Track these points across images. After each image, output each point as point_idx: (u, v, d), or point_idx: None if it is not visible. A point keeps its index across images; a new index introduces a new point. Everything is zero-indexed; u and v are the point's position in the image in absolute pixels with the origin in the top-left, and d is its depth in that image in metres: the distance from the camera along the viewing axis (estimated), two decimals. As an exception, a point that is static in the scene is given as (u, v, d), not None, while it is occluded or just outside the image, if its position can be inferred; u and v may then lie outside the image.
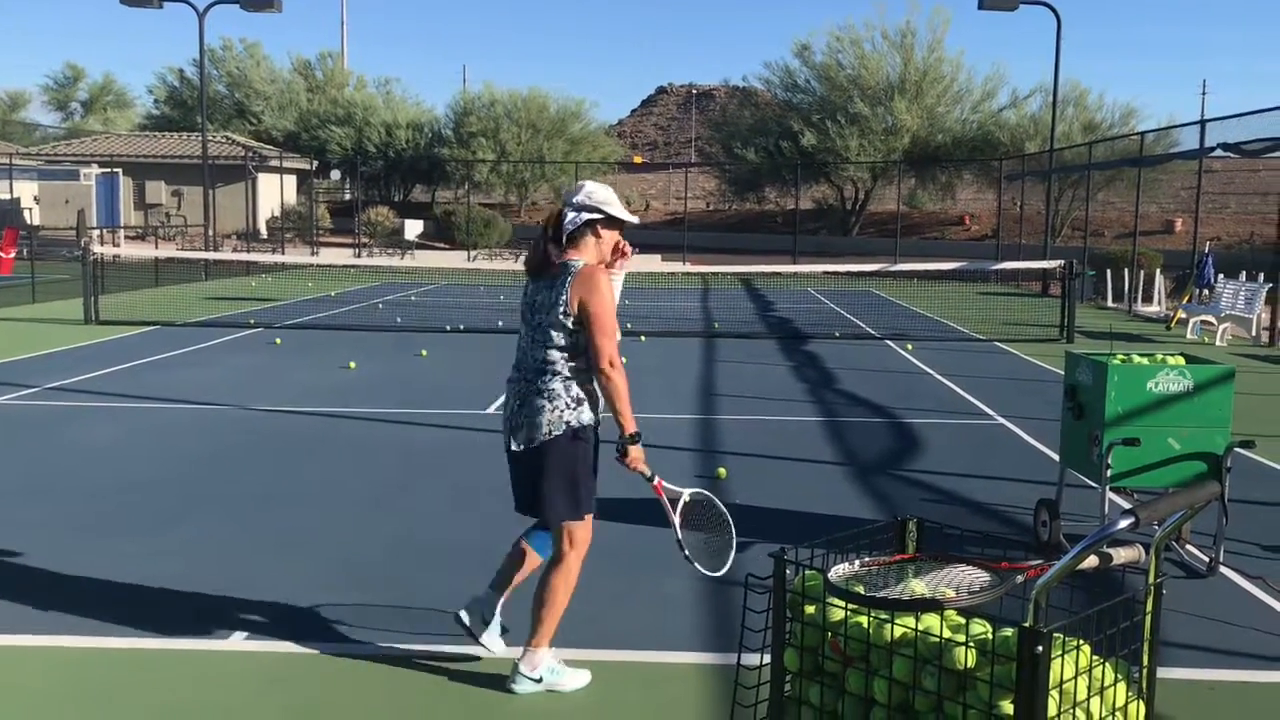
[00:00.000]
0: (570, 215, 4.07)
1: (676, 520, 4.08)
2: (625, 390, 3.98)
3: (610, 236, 4.14)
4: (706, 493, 4.22)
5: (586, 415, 4.03)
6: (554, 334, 4.00)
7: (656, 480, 4.09)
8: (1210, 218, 34.65)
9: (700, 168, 59.23)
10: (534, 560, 4.29)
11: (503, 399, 4.19)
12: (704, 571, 4.07)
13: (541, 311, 4.03)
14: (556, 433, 3.98)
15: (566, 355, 4.00)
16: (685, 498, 4.16)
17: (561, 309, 3.97)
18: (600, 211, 4.08)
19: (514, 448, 4.07)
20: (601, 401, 4.08)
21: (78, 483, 7.15)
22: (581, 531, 4.11)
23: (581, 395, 4.02)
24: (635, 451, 4.04)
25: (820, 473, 7.79)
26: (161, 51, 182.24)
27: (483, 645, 4.32)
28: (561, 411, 3.97)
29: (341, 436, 8.76)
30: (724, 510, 4.20)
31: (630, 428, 4.01)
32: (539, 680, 4.11)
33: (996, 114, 42.67)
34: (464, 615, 4.28)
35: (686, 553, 4.04)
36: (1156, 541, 2.57)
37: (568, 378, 4.00)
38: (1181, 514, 2.53)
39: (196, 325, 16.63)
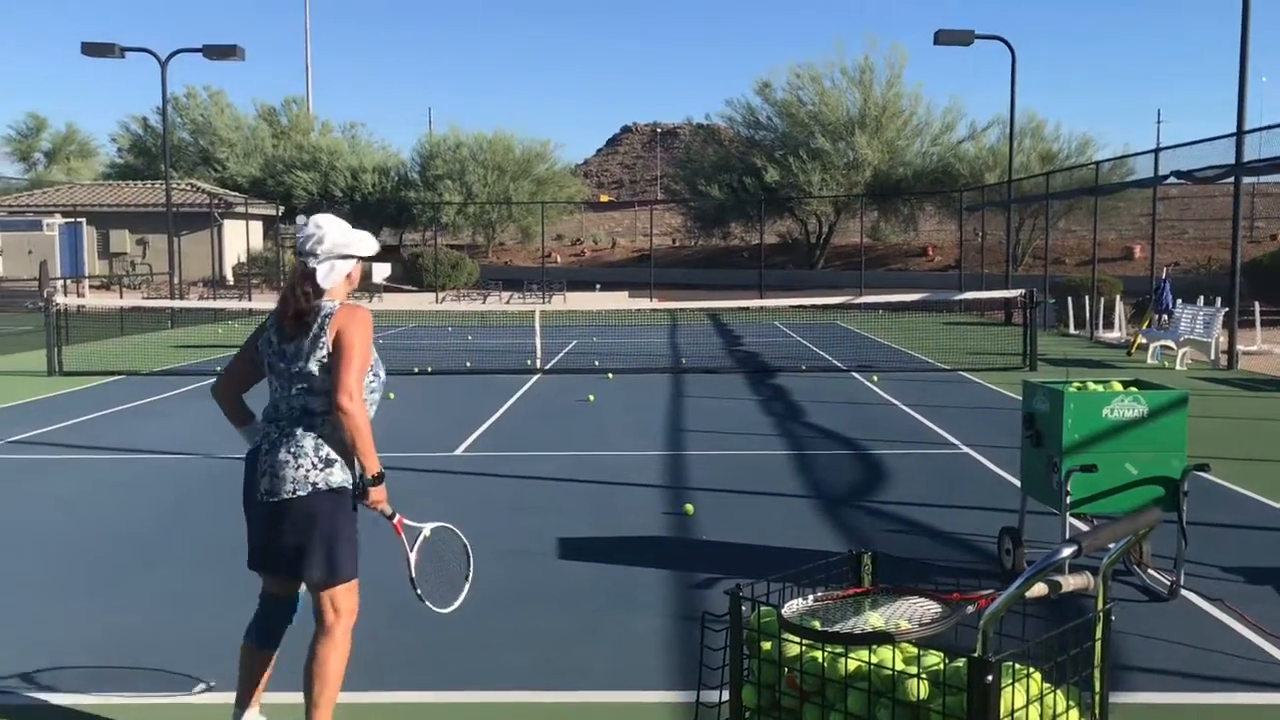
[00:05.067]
0: (323, 268, 3.74)
1: (413, 558, 3.88)
2: (367, 427, 3.70)
3: (357, 271, 3.87)
4: (449, 526, 4.08)
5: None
6: (316, 379, 3.72)
7: (397, 519, 3.89)
8: (1168, 243, 35.20)
9: (665, 205, 59.63)
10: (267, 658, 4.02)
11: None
12: (435, 610, 3.93)
13: (298, 359, 3.73)
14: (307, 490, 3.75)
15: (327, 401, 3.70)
16: (426, 533, 3.98)
17: (323, 351, 3.68)
18: (353, 255, 3.81)
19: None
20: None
21: (40, 537, 7.07)
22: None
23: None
24: (376, 494, 3.77)
25: (787, 506, 7.82)
26: (125, 100, 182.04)
27: None
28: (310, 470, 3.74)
29: (308, 483, 8.70)
30: (466, 544, 4.09)
31: (374, 468, 3.75)
32: None
33: (955, 146, 43.30)
34: None
35: (419, 591, 3.88)
36: (1104, 568, 2.62)
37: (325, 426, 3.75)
38: (1126, 540, 2.58)
39: (162, 374, 16.50)
